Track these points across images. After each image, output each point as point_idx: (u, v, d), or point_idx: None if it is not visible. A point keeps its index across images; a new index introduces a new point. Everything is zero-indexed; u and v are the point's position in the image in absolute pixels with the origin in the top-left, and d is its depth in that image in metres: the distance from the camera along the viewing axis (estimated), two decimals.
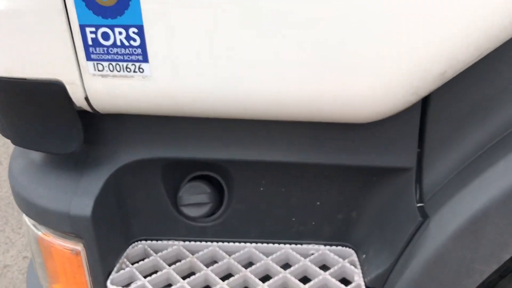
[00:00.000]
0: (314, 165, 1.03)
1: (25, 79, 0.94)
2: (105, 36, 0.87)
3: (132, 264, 1.12)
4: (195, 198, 1.13)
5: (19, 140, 1.06)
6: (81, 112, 0.99)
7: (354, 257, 1.11)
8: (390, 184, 1.04)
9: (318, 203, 1.11)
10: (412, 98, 0.85)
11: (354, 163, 1.01)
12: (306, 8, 0.77)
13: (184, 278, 1.07)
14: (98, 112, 0.97)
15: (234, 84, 0.86)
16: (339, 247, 1.14)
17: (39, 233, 1.13)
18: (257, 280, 1.06)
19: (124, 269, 1.10)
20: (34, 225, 1.14)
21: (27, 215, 1.12)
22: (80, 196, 1.03)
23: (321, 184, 1.09)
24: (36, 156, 1.15)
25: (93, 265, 1.07)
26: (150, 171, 1.10)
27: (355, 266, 1.08)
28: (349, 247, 1.13)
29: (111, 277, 1.08)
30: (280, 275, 1.07)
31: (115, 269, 1.10)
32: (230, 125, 1.02)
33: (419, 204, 0.97)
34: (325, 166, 1.04)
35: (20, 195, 1.11)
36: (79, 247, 1.06)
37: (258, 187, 1.11)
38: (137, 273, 1.09)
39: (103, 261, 1.07)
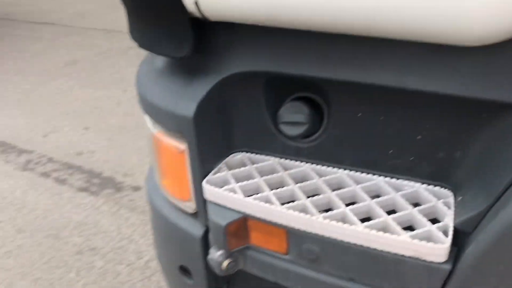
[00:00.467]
0: (418, 93, 0.97)
1: None
2: None
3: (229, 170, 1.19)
4: (293, 117, 1.14)
5: (142, 42, 1.17)
6: (194, 20, 1.05)
7: (450, 199, 1.04)
8: (500, 123, 0.93)
9: (419, 137, 1.05)
10: None
11: (465, 94, 0.92)
12: None
13: (273, 189, 1.12)
14: (207, 18, 1.03)
15: None
16: (437, 187, 1.07)
17: (154, 131, 1.25)
18: (341, 203, 1.06)
19: (221, 172, 1.19)
20: (151, 124, 1.27)
21: (146, 112, 1.25)
22: (186, 99, 1.11)
23: (425, 117, 1.03)
24: (158, 62, 1.27)
25: (194, 164, 1.16)
26: (254, 85, 1.15)
27: (449, 207, 1.01)
28: (447, 188, 1.06)
29: (208, 177, 1.17)
30: (366, 202, 1.05)
31: (213, 171, 1.19)
32: (334, 43, 0.99)
33: None
34: (431, 96, 0.97)
35: (141, 94, 1.24)
36: (183, 146, 1.16)
37: (356, 113, 1.08)
38: (231, 177, 1.16)
39: (202, 162, 1.16)
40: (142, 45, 1.19)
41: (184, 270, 1.37)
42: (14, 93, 4.32)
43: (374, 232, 0.97)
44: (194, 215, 1.26)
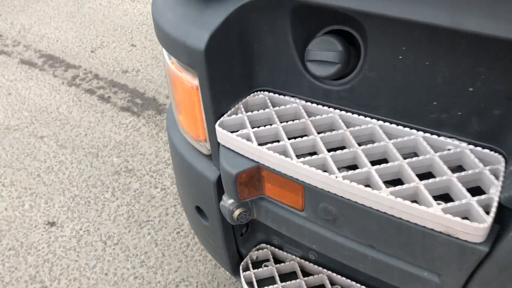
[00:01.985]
0: (472, 36, 0.77)
1: None
2: None
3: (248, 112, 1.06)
4: (323, 55, 0.98)
5: None
6: None
7: (501, 165, 0.86)
8: None
9: (471, 89, 0.86)
10: None
11: None
12: None
13: (292, 138, 0.98)
14: None
15: None
16: (486, 150, 0.89)
17: (169, 63, 1.13)
18: (366, 161, 0.91)
19: (236, 114, 1.06)
20: (166, 55, 1.14)
21: (159, 41, 1.12)
22: (198, 28, 0.97)
23: (479, 65, 0.83)
24: None
25: (206, 102, 1.04)
26: (278, 14, 0.97)
27: (497, 177, 0.84)
28: (499, 153, 0.88)
29: (222, 119, 1.04)
30: (396, 162, 0.90)
31: (228, 112, 1.06)
32: None
33: None
34: (488, 40, 0.77)
35: (155, 21, 1.10)
36: (196, 81, 1.03)
37: (397, 54, 0.90)
38: (247, 121, 1.03)
39: (216, 100, 1.03)
40: None
41: (200, 211, 1.29)
42: (66, 6, 4.27)
43: (400, 200, 0.82)
44: (209, 156, 1.16)
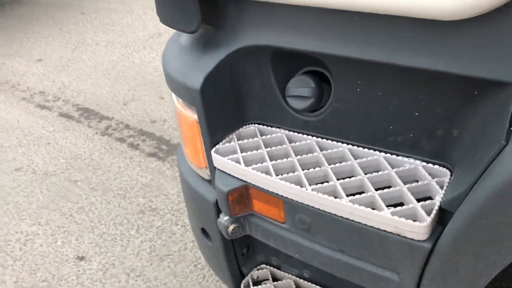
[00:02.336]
0: (411, 70, 0.96)
1: None
2: None
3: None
4: (300, 91, 1.17)
5: (162, 18, 1.25)
6: None
7: (447, 178, 1.02)
8: (490, 101, 0.89)
9: (416, 113, 1.03)
10: None
11: (451, 70, 0.89)
12: None
13: (274, 160, 1.16)
14: None
15: None
16: (436, 166, 1.05)
17: (176, 102, 1.34)
18: (334, 177, 1.08)
19: (230, 143, 1.25)
20: (174, 96, 1.37)
21: (167, 84, 1.34)
22: (196, 71, 1.18)
23: (420, 92, 1.01)
24: (181, 38, 1.34)
25: (204, 133, 1.24)
26: (261, 59, 1.18)
27: (441, 187, 1.00)
28: (446, 167, 1.04)
29: (217, 146, 1.24)
30: (359, 177, 1.06)
31: (223, 141, 1.26)
32: (330, 19, 1.00)
33: (510, 127, 0.83)
34: (423, 72, 0.95)
35: (165, 68, 1.33)
36: (196, 116, 1.24)
37: (355, 87, 1.08)
38: (238, 148, 1.22)
39: (212, 131, 1.23)
40: (163, 20, 1.27)
41: (205, 232, 1.47)
42: (102, 64, 4.67)
43: (357, 206, 0.98)
44: (209, 181, 1.35)
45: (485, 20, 0.80)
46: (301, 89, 1.17)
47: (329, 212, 1.04)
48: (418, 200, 0.99)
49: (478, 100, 0.93)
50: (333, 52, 1.04)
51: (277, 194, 1.12)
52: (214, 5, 1.14)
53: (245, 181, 1.17)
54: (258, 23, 1.13)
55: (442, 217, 0.96)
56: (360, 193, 1.05)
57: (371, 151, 1.13)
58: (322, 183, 1.09)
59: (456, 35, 0.85)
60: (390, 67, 0.98)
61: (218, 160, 1.21)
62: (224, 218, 1.26)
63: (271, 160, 1.17)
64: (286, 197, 1.10)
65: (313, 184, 1.09)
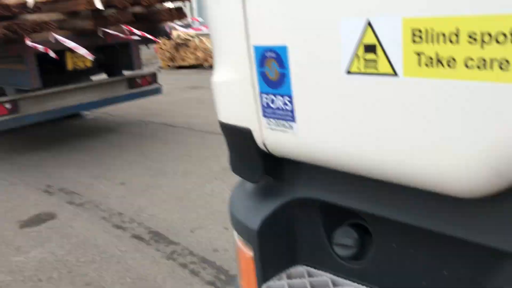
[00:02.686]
0: (437, 233, 1.11)
1: (234, 125, 1.38)
2: (272, 101, 1.22)
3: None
4: (344, 240, 1.34)
5: (233, 168, 1.51)
6: (267, 155, 1.36)
7: None
8: (504, 268, 1.01)
9: (445, 272, 1.15)
10: (498, 181, 0.88)
11: (472, 239, 1.04)
12: None
13: None
14: (273, 154, 1.33)
15: (371, 150, 1.05)
16: None
17: (237, 239, 1.54)
18: None
19: (280, 280, 1.40)
20: (236, 234, 1.57)
21: (230, 221, 1.56)
22: (255, 215, 1.40)
23: (447, 254, 1.14)
24: (246, 185, 1.59)
25: (258, 270, 1.41)
26: (312, 209, 1.38)
27: None
28: None
29: (267, 283, 1.40)
30: None
31: (274, 279, 1.41)
32: (368, 183, 1.20)
33: None
34: (445, 237, 1.09)
35: (230, 207, 1.56)
36: (251, 254, 1.42)
37: (391, 242, 1.23)
38: (286, 286, 1.37)
39: (264, 269, 1.40)
40: (233, 169, 1.53)
41: None
42: (177, 192, 5.07)
43: None
44: None
45: (503, 198, 0.95)
46: (345, 239, 1.33)
47: None
48: None
49: (499, 268, 1.04)
50: (370, 211, 1.22)
51: None
52: (275, 162, 1.39)
53: None
54: (310, 180, 1.35)
55: None
56: None
57: None
58: None
59: (474, 209, 1.01)
60: (421, 229, 1.14)
61: None
62: None
63: None
64: None
65: None
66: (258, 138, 1.31)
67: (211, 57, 14.80)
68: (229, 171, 4.68)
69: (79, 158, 6.60)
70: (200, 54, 15.05)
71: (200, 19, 15.85)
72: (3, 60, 5.73)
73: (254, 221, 1.38)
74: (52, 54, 5.43)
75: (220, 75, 1.39)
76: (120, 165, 6.13)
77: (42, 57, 6.06)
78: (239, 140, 1.40)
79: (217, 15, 1.35)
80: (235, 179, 1.58)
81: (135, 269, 3.59)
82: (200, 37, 15.29)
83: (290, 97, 1.17)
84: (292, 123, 1.19)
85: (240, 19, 1.24)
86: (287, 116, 1.20)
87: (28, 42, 5.21)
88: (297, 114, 1.17)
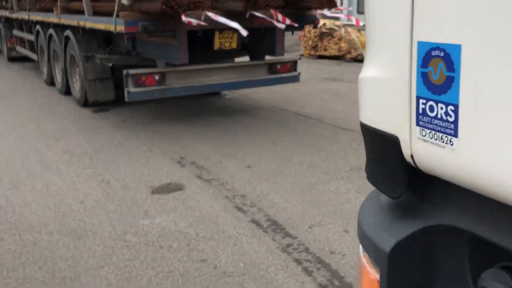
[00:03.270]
0: None
1: (378, 129, 1.22)
2: (431, 108, 1.03)
3: None
4: (493, 284, 1.11)
5: (369, 177, 1.35)
6: (411, 168, 1.17)
7: None
8: None
9: None
10: None
11: None
12: None
13: None
14: (421, 170, 1.14)
15: None
16: None
17: (362, 254, 1.38)
18: None
19: None
20: (361, 248, 1.41)
21: (358, 234, 1.40)
22: (388, 235, 1.22)
23: None
24: (381, 197, 1.41)
25: None
26: (460, 240, 1.16)
27: None
28: None
29: None
30: None
31: None
32: None
33: None
34: None
35: (359, 218, 1.40)
36: (377, 276, 1.25)
37: None
38: None
39: None
40: (369, 179, 1.36)
41: None
42: (301, 184, 4.99)
43: None
44: None
45: None
46: (496, 283, 1.10)
47: None
48: None
49: None
50: None
51: None
52: (422, 179, 1.19)
53: None
54: (462, 206, 1.13)
55: None
56: None
57: None
58: None
59: None
60: None
61: None
62: None
63: None
64: None
65: None
66: (406, 149, 1.13)
67: (354, 49, 14.44)
68: (357, 171, 4.51)
69: (213, 135, 6.85)
70: (343, 45, 14.76)
71: (349, 8, 15.49)
72: (157, 34, 6.09)
73: (387, 242, 1.21)
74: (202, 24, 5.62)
75: (371, 71, 1.22)
76: (250, 148, 6.23)
77: (192, 35, 6.36)
78: (381, 147, 1.23)
79: (377, 2, 1.18)
80: (364, 182, 1.43)
81: (249, 254, 3.59)
82: (347, 28, 14.97)
83: (455, 106, 0.97)
84: (453, 138, 0.99)
85: (405, 8, 1.06)
86: (448, 128, 1.00)
87: (184, 18, 5.46)
88: (462, 128, 0.97)
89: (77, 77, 8.69)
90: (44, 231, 4.00)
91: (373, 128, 1.22)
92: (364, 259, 1.35)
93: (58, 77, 9.89)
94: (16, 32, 13.45)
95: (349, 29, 14.77)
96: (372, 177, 1.32)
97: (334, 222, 4.08)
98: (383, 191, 1.28)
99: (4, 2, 13.55)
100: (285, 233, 3.92)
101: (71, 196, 4.75)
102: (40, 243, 3.80)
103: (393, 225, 1.24)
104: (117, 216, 4.27)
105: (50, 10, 9.10)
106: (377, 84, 1.20)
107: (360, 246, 1.41)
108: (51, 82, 10.50)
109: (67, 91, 9.41)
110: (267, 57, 7.78)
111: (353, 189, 4.79)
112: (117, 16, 6.02)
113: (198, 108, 8.62)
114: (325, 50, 15.36)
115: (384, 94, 1.17)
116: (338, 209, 4.35)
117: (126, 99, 6.58)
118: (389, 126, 1.16)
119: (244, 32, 5.80)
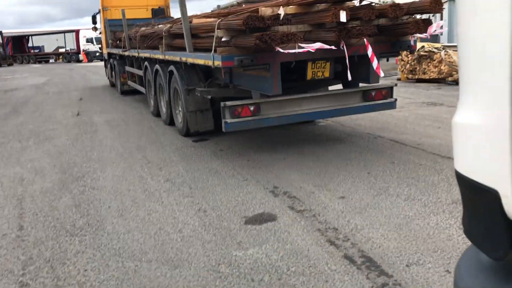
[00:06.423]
0: None
1: (475, 180, 1.11)
2: None
3: None
4: None
5: (467, 231, 1.24)
6: None
7: None
8: None
9: None
10: None
11: None
12: None
13: None
14: None
15: None
16: None
17: None
18: None
19: None
20: None
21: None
22: None
23: None
24: (481, 255, 1.28)
25: None
26: None
27: None
28: None
29: None
30: None
31: None
32: None
33: None
34: None
35: (456, 276, 1.29)
36: None
37: None
38: None
39: None
40: (466, 234, 1.25)
41: None
42: (397, 217, 4.75)
43: None
44: None
45: None
46: None
47: None
48: None
49: None
50: None
51: None
52: None
53: None
54: None
55: None
56: None
57: None
58: None
59: None
60: None
61: None
62: None
63: None
64: None
65: None
66: (508, 206, 1.02)
67: (456, 71, 13.73)
68: (460, 205, 4.18)
69: (305, 163, 6.82)
70: (444, 68, 14.11)
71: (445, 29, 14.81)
72: (252, 67, 6.25)
73: None
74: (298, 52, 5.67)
75: (466, 115, 1.12)
76: (342, 178, 6.10)
77: (285, 67, 6.44)
78: (479, 201, 1.13)
79: (472, 31, 1.07)
80: None
81: None
82: (447, 49, 14.32)
83: None
84: None
85: (507, 38, 0.94)
86: None
87: (279, 49, 5.58)
88: None
89: (180, 108, 9.19)
90: (144, 259, 4.20)
91: (470, 179, 1.12)
92: None
93: (163, 109, 10.54)
94: (127, 68, 14.74)
95: (450, 51, 14.09)
96: (469, 232, 1.20)
97: (434, 261, 3.83)
98: (482, 249, 1.17)
99: (118, 42, 14.91)
100: (380, 271, 3.74)
101: (170, 224, 4.95)
102: (140, 271, 3.99)
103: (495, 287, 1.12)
104: (211, 246, 4.36)
105: (156, 48, 9.79)
106: (474, 130, 1.10)
107: None
108: (157, 114, 11.25)
109: (171, 122, 10.01)
110: (362, 84, 7.64)
111: (455, 224, 4.47)
112: (215, 51, 6.28)
113: (292, 137, 8.66)
114: (424, 73, 14.76)
115: (483, 141, 1.07)
116: (439, 246, 4.07)
117: (224, 129, 6.80)
118: (488, 179, 1.06)
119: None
